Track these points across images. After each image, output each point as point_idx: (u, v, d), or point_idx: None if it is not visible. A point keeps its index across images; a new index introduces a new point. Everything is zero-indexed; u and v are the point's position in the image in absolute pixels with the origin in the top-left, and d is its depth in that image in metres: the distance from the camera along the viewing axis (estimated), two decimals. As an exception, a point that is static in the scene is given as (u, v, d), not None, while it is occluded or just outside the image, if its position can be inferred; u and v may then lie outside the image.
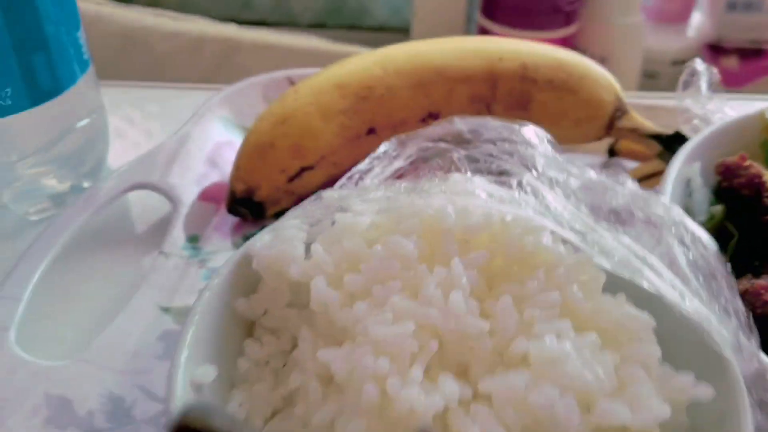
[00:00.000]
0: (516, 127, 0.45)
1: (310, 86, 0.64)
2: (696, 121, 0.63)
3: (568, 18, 1.19)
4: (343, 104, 0.62)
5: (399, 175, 0.47)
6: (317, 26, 1.52)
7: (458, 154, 0.44)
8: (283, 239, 0.39)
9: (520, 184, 0.40)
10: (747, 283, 0.44)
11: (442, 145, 0.48)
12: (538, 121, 0.63)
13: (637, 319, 0.35)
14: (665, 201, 0.40)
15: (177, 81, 0.86)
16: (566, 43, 1.22)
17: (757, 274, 0.47)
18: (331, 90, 0.64)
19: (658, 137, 0.65)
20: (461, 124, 0.51)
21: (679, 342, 0.36)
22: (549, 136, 0.44)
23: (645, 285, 0.36)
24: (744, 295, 0.42)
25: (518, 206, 0.39)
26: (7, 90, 0.55)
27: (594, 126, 0.67)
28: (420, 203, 0.39)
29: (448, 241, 0.37)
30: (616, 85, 0.67)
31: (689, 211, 0.52)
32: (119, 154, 0.68)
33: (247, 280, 0.40)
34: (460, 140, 0.51)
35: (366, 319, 0.34)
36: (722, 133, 0.56)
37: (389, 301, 0.34)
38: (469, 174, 0.42)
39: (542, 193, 0.39)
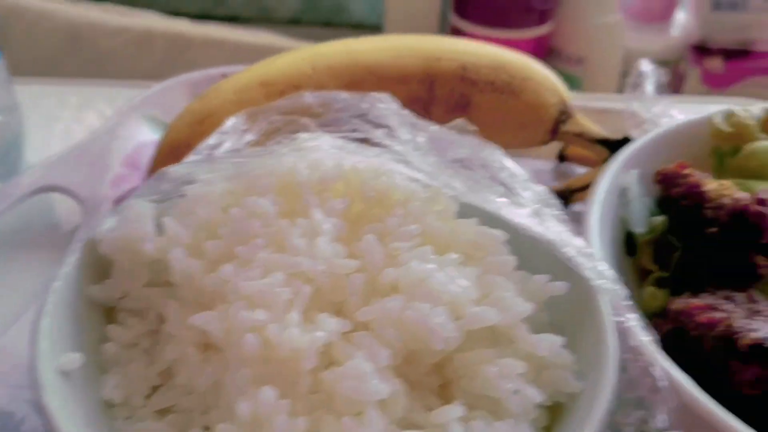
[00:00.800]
0: (366, 96, 0.46)
1: (234, 84, 0.60)
2: (646, 126, 0.59)
3: (542, 17, 1.15)
4: (267, 102, 0.59)
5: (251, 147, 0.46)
6: (292, 22, 1.48)
7: (309, 122, 0.43)
8: (129, 219, 0.38)
9: (367, 140, 0.42)
10: (681, 302, 0.40)
11: (294, 117, 0.46)
12: (478, 125, 0.60)
13: (490, 235, 0.38)
14: (492, 145, 0.42)
15: (124, 78, 0.83)
16: (541, 43, 1.18)
17: (696, 292, 0.43)
18: (255, 88, 0.60)
19: (605, 142, 0.61)
20: (311, 97, 0.49)
21: (533, 255, 0.39)
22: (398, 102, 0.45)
23: (493, 209, 0.39)
24: (677, 316, 0.39)
25: (368, 155, 0.41)
26: None
27: (538, 130, 0.63)
28: (271, 162, 0.40)
29: (306, 193, 0.38)
30: (561, 88, 0.63)
31: (626, 222, 0.48)
32: (41, 155, 0.64)
33: (98, 266, 0.39)
34: (311, 113, 0.49)
35: (235, 278, 0.34)
36: (666, 139, 0.52)
37: (256, 258, 0.35)
38: (317, 133, 0.43)
39: (391, 145, 0.42)
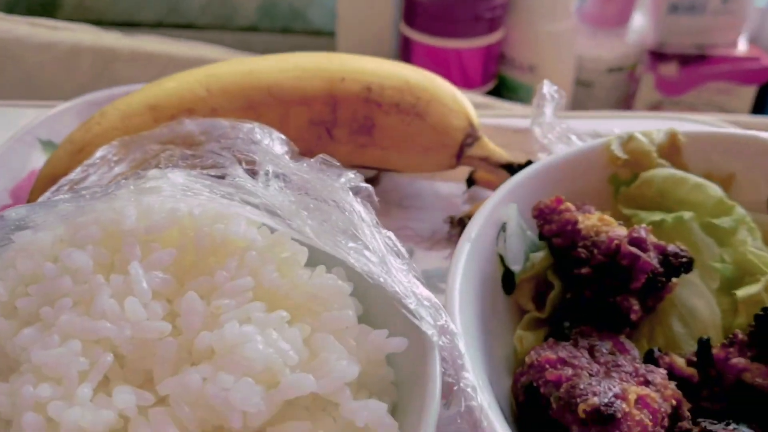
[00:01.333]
0: (244, 125, 0.44)
1: (120, 108, 0.57)
2: (550, 150, 0.56)
3: (492, 25, 1.12)
4: (155, 128, 0.56)
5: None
6: (249, 30, 1.46)
7: (182, 153, 0.41)
8: None
9: (223, 176, 0.40)
10: (535, 354, 0.38)
11: (170, 147, 0.44)
12: (383, 148, 0.57)
13: (331, 287, 0.36)
14: (346, 192, 0.39)
15: (50, 96, 0.80)
16: (491, 51, 1.15)
17: (565, 337, 0.40)
18: (143, 112, 0.57)
19: (509, 166, 0.58)
20: (192, 125, 0.46)
21: (378, 305, 0.37)
22: (280, 135, 0.43)
23: (342, 255, 0.37)
24: (530, 370, 0.36)
25: (212, 198, 0.38)
26: None
27: (444, 154, 0.60)
28: (102, 207, 0.37)
29: (128, 244, 0.35)
30: (469, 110, 0.60)
31: (504, 258, 0.45)
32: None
33: None
34: (191, 142, 0.47)
35: (33, 345, 0.31)
36: (558, 167, 0.50)
37: (57, 322, 0.32)
38: (170, 168, 0.40)
39: (247, 184, 0.39)
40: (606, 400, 0.33)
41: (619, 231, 0.42)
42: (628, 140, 0.50)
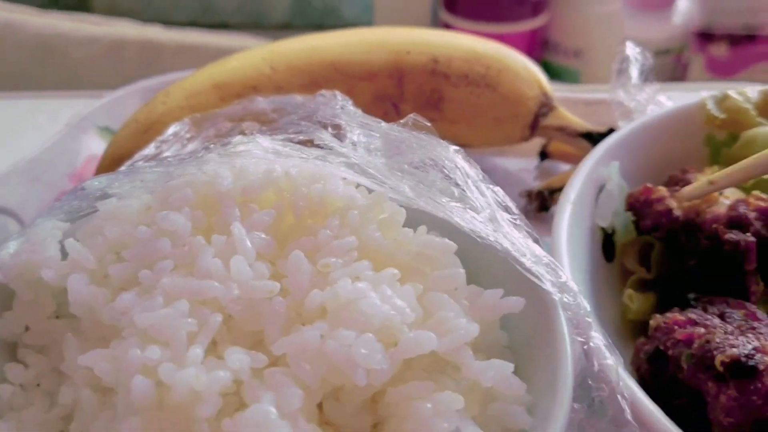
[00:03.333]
0: (327, 95, 0.42)
1: (184, 88, 0.56)
2: (634, 116, 0.54)
3: (536, 8, 1.09)
4: (221, 107, 0.54)
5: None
6: (283, 27, 1.45)
7: (259, 128, 0.39)
8: (33, 242, 0.33)
9: (310, 141, 0.38)
10: (662, 318, 0.35)
11: (245, 124, 0.42)
12: (453, 121, 0.55)
13: (438, 246, 0.34)
14: (444, 143, 0.37)
15: (96, 88, 0.79)
16: (536, 36, 1.12)
17: (686, 304, 0.37)
18: (208, 91, 0.55)
19: (589, 135, 0.56)
20: (264, 102, 0.44)
21: (487, 266, 0.35)
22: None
23: (444, 215, 0.34)
24: (655, 333, 0.33)
25: (306, 159, 0.36)
26: None
27: (517, 125, 0.57)
28: (192, 171, 0.35)
29: (227, 206, 0.33)
30: (542, 79, 0.58)
31: (604, 221, 0.43)
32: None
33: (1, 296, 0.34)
34: (264, 119, 0.45)
35: (133, 309, 0.29)
36: (651, 128, 0.47)
37: (159, 284, 0.30)
38: (254, 134, 0.38)
39: (336, 146, 0.37)
40: (746, 352, 0.30)
41: (718, 210, 0.39)
42: (723, 99, 0.47)
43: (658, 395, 0.34)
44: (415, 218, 0.36)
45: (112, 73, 0.89)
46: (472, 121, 0.57)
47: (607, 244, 0.43)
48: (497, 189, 0.35)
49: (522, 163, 0.63)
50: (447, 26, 1.13)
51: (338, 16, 1.46)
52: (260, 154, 0.36)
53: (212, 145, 0.39)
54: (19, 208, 0.54)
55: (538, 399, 0.30)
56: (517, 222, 0.34)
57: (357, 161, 0.37)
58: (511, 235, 0.33)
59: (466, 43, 0.58)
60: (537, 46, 1.15)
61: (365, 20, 1.42)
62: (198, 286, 0.30)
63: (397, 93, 0.57)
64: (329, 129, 0.40)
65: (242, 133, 0.46)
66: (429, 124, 0.39)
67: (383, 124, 0.39)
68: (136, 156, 0.45)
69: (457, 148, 0.37)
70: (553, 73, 1.22)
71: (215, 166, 0.35)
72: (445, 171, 0.35)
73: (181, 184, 0.34)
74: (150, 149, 0.46)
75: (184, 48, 0.91)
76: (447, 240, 0.34)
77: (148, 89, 0.65)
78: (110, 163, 0.52)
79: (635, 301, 0.39)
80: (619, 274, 0.42)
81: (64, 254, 0.34)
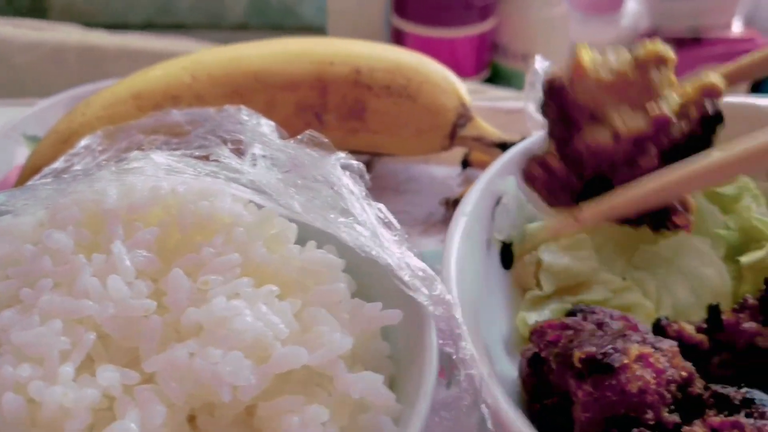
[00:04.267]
0: (232, 110, 0.43)
1: (104, 98, 0.56)
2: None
3: (484, 13, 1.11)
4: (141, 117, 0.55)
5: None
6: (240, 28, 1.45)
7: (166, 140, 0.40)
8: None
9: (207, 156, 0.39)
10: (538, 323, 0.37)
11: (158, 136, 0.43)
12: (375, 132, 0.56)
13: (321, 261, 0.35)
14: (335, 165, 0.38)
15: (38, 95, 0.79)
16: (484, 39, 1.14)
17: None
18: (126, 101, 0.56)
19: (503, 145, 0.57)
20: (179, 115, 0.45)
21: (371, 280, 0.36)
22: (268, 120, 0.42)
23: (333, 230, 0.36)
24: (531, 335, 0.35)
25: (197, 176, 0.37)
26: None
27: (436, 135, 0.59)
28: (82, 188, 0.36)
29: (111, 224, 0.34)
30: (461, 90, 0.59)
31: (500, 232, 0.44)
32: None
33: None
34: (178, 131, 0.45)
35: (12, 326, 0.30)
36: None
37: (37, 302, 0.31)
38: (152, 150, 0.39)
39: (233, 162, 0.38)
40: (604, 350, 0.31)
41: None
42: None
43: (533, 395, 0.36)
44: (306, 234, 0.37)
45: (55, 79, 0.88)
46: (394, 131, 0.58)
47: (505, 253, 0.44)
48: (380, 206, 0.36)
49: (447, 171, 0.64)
50: (398, 31, 1.14)
51: (295, 16, 1.46)
52: (151, 171, 0.37)
53: (105, 163, 0.40)
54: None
55: (404, 408, 0.31)
56: (397, 238, 0.35)
57: (252, 177, 0.38)
58: (390, 249, 0.34)
59: (388, 55, 0.59)
60: (486, 50, 1.16)
61: (320, 21, 1.43)
62: (74, 305, 0.30)
63: (320, 103, 0.57)
64: (229, 144, 0.41)
65: (146, 144, 0.46)
66: (327, 141, 0.39)
67: (279, 140, 0.40)
68: (45, 170, 0.46)
69: (346, 163, 0.38)
70: (502, 76, 1.23)
71: (105, 184, 0.36)
72: (334, 188, 0.36)
73: (69, 203, 0.35)
74: (60, 163, 0.46)
75: (127, 53, 0.91)
76: (331, 255, 0.35)
77: (76, 98, 0.65)
78: (30, 174, 0.53)
79: (527, 322, 0.40)
80: (517, 284, 0.44)
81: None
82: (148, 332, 0.31)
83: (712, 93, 0.42)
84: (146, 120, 0.50)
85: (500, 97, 0.77)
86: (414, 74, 0.58)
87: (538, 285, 0.42)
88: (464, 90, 0.59)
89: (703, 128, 0.41)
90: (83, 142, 0.48)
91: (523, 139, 0.55)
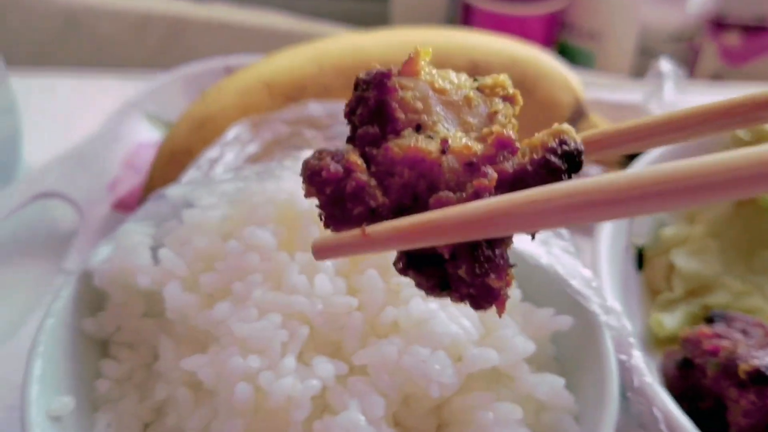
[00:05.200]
0: None
1: (236, 85, 0.58)
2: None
3: (557, -9, 1.11)
4: (273, 106, 0.57)
5: (255, 160, 0.45)
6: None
7: (315, 134, 0.41)
8: (125, 249, 0.37)
9: None
10: (691, 330, 0.39)
11: (299, 127, 0.45)
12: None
13: None
14: None
15: (120, 65, 0.81)
16: (556, 18, 1.14)
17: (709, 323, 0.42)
18: (259, 89, 0.58)
19: (617, 144, 0.59)
20: (318, 108, 0.47)
21: (539, 286, 0.38)
22: None
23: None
24: (685, 344, 0.38)
25: None
26: None
27: (550, 130, 0.60)
28: (272, 188, 0.38)
29: (306, 225, 0.36)
30: (576, 86, 0.61)
31: (638, 236, 0.46)
32: (40, 153, 0.63)
33: (92, 298, 0.38)
34: (317, 124, 0.47)
35: (229, 319, 0.33)
36: (685, 147, 0.50)
37: (252, 297, 0.33)
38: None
39: None
40: (766, 363, 0.34)
41: None
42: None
43: (681, 397, 0.39)
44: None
45: (136, 49, 0.90)
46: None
47: (639, 256, 0.46)
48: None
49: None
50: (466, 5, 1.15)
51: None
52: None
53: (285, 162, 0.42)
54: (72, 192, 0.57)
55: (585, 410, 0.34)
56: (567, 247, 0.37)
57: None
58: (562, 258, 0.37)
59: (504, 48, 0.60)
60: (555, 28, 1.17)
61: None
62: (288, 301, 0.33)
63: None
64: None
65: (303, 142, 0.48)
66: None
67: None
68: (201, 158, 0.48)
69: None
70: (570, 54, 1.24)
71: (292, 184, 0.38)
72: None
73: (264, 202, 0.37)
74: (214, 151, 0.49)
75: (211, 25, 0.92)
76: (503, 260, 0.37)
77: (190, 76, 0.68)
78: (167, 157, 0.55)
79: (663, 324, 0.43)
80: (648, 287, 0.46)
81: (154, 260, 0.37)
82: (352, 328, 0.33)
83: (563, 140, 0.33)
84: (287, 112, 0.53)
85: (605, 84, 0.77)
86: (530, 68, 0.59)
87: (669, 287, 0.45)
88: (579, 86, 0.61)
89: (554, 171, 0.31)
90: (231, 133, 0.51)
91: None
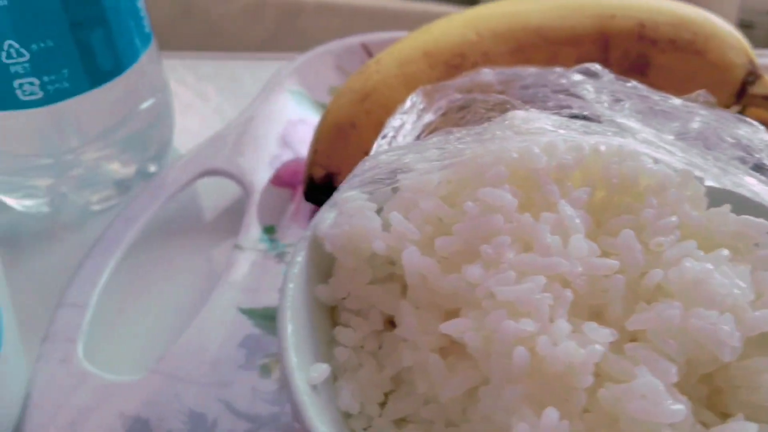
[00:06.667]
0: (558, 69, 0.42)
1: (393, 56, 0.57)
2: None
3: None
4: (433, 75, 0.55)
5: (431, 129, 0.44)
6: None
7: (495, 99, 0.40)
8: (350, 214, 0.35)
9: (587, 117, 0.38)
10: None
11: (473, 95, 0.43)
12: (658, 88, 0.55)
13: (754, 224, 0.34)
14: (750, 121, 0.37)
15: (234, 48, 0.80)
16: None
17: None
18: (418, 59, 0.56)
19: (798, 105, 0.55)
20: (491, 75, 0.45)
21: None
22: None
23: (748, 194, 0.35)
24: None
25: (603, 135, 0.36)
26: (64, 71, 0.49)
27: (723, 93, 0.57)
28: (496, 148, 0.36)
29: (546, 183, 0.34)
30: (747, 47, 0.57)
31: None
32: (185, 134, 0.63)
33: (320, 265, 0.37)
34: (491, 91, 0.45)
35: (486, 281, 0.31)
36: None
37: (504, 259, 0.31)
38: (530, 110, 0.39)
39: (619, 121, 0.37)
40: None
41: None
42: None
43: None
44: (713, 199, 0.36)
45: (249, 32, 0.89)
46: (678, 88, 0.56)
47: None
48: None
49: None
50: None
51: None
52: (556, 131, 0.37)
53: (492, 120, 0.40)
54: (234, 169, 0.56)
55: None
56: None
57: (648, 137, 0.38)
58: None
59: (671, 8, 0.57)
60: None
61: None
62: (547, 263, 0.31)
63: (601, 58, 0.56)
64: (605, 102, 0.41)
65: (486, 107, 0.46)
66: (714, 100, 0.39)
67: (674, 99, 0.39)
68: (386, 128, 0.47)
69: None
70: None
71: (521, 144, 0.36)
72: (750, 150, 0.36)
73: (493, 161, 0.35)
74: (396, 121, 0.47)
75: (325, 7, 0.91)
76: (756, 219, 0.35)
77: (332, 54, 0.67)
78: (330, 130, 0.54)
79: None
80: None
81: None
82: (614, 291, 0.31)
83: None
84: (462, 80, 0.51)
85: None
86: (700, 28, 0.56)
87: None
88: (750, 47, 0.57)
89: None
90: (408, 102, 0.49)
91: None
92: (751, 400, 0.30)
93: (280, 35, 0.87)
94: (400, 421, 0.34)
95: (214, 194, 0.58)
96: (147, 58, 0.55)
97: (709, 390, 0.32)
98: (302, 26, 0.89)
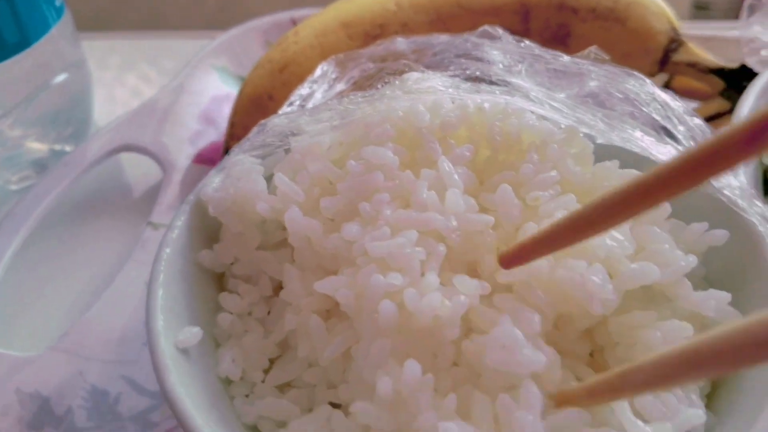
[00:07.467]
0: (468, 36, 0.41)
1: (313, 27, 0.56)
2: (765, 52, 0.53)
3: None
4: (351, 45, 0.54)
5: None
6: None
7: (402, 66, 0.39)
8: (236, 177, 0.34)
9: (481, 78, 0.38)
10: None
11: (386, 64, 0.42)
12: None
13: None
14: (638, 75, 0.37)
15: (178, 28, 0.79)
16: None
17: None
18: (336, 29, 0.55)
19: (720, 72, 0.55)
20: (404, 43, 0.45)
21: (688, 203, 0.33)
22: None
23: (636, 149, 0.34)
24: None
25: (491, 93, 0.36)
26: (-34, 45, 0.48)
27: (646, 60, 0.57)
28: (384, 108, 0.35)
29: (429, 141, 0.34)
30: (670, 13, 0.57)
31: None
32: (109, 113, 0.61)
33: (205, 230, 0.36)
34: (404, 60, 0.45)
35: (362, 239, 0.30)
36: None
37: (381, 216, 0.31)
38: (424, 71, 0.38)
39: (512, 81, 0.37)
40: None
41: None
42: None
43: None
44: (602, 154, 0.36)
45: (193, 12, 0.88)
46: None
47: (766, 180, 0.43)
48: (701, 121, 0.35)
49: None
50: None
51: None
52: (445, 90, 0.37)
53: (388, 83, 0.40)
54: (150, 145, 0.55)
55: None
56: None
57: (538, 95, 0.37)
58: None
59: (591, -25, 0.56)
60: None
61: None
62: (421, 218, 0.31)
63: (522, 29, 0.56)
64: (500, 64, 0.40)
65: (396, 72, 0.46)
66: (608, 57, 0.38)
67: (559, 56, 0.39)
68: (293, 95, 0.46)
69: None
70: None
71: (407, 102, 0.35)
72: (638, 104, 0.35)
73: (379, 120, 0.35)
74: (304, 89, 0.46)
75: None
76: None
77: (256, 29, 0.66)
78: (247, 102, 0.53)
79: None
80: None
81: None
82: (487, 245, 0.31)
83: None
84: (374, 48, 0.50)
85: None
86: (620, -5, 0.56)
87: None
88: (673, 13, 0.57)
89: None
90: (318, 71, 0.48)
91: (742, 65, 0.53)
92: (628, 356, 0.30)
93: (222, 15, 0.86)
94: (284, 386, 0.33)
95: (134, 172, 0.56)
96: (58, 31, 0.53)
97: (592, 348, 0.31)
98: (246, 4, 0.88)
